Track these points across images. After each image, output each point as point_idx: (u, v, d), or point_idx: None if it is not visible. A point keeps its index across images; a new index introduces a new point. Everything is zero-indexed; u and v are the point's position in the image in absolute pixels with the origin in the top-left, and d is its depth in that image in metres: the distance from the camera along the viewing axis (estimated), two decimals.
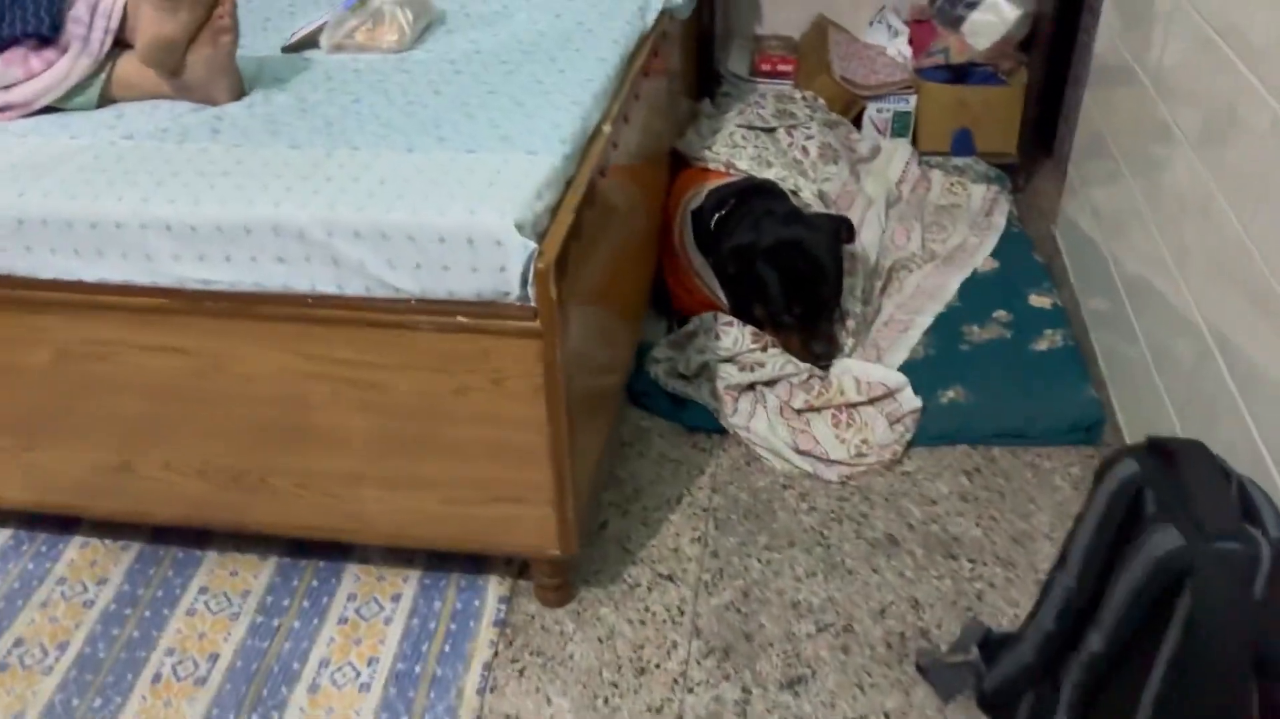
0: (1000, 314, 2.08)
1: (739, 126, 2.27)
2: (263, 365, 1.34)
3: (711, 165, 2.16)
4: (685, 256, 2.05)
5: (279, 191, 1.27)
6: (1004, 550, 1.63)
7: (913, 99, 2.56)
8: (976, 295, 2.15)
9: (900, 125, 2.60)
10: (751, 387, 1.88)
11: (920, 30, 2.61)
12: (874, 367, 1.89)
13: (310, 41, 1.70)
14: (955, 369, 1.94)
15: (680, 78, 2.46)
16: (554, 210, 1.30)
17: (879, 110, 2.58)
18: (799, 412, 1.83)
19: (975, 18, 2.49)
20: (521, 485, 1.37)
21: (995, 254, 2.27)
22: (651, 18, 1.87)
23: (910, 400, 1.83)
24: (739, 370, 1.87)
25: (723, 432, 1.86)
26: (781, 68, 2.65)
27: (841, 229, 1.96)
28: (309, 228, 1.24)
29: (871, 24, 2.72)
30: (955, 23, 2.51)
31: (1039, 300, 2.12)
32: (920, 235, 2.31)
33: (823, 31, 2.69)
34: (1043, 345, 1.98)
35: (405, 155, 1.35)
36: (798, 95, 2.51)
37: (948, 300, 2.14)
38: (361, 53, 1.66)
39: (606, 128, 1.50)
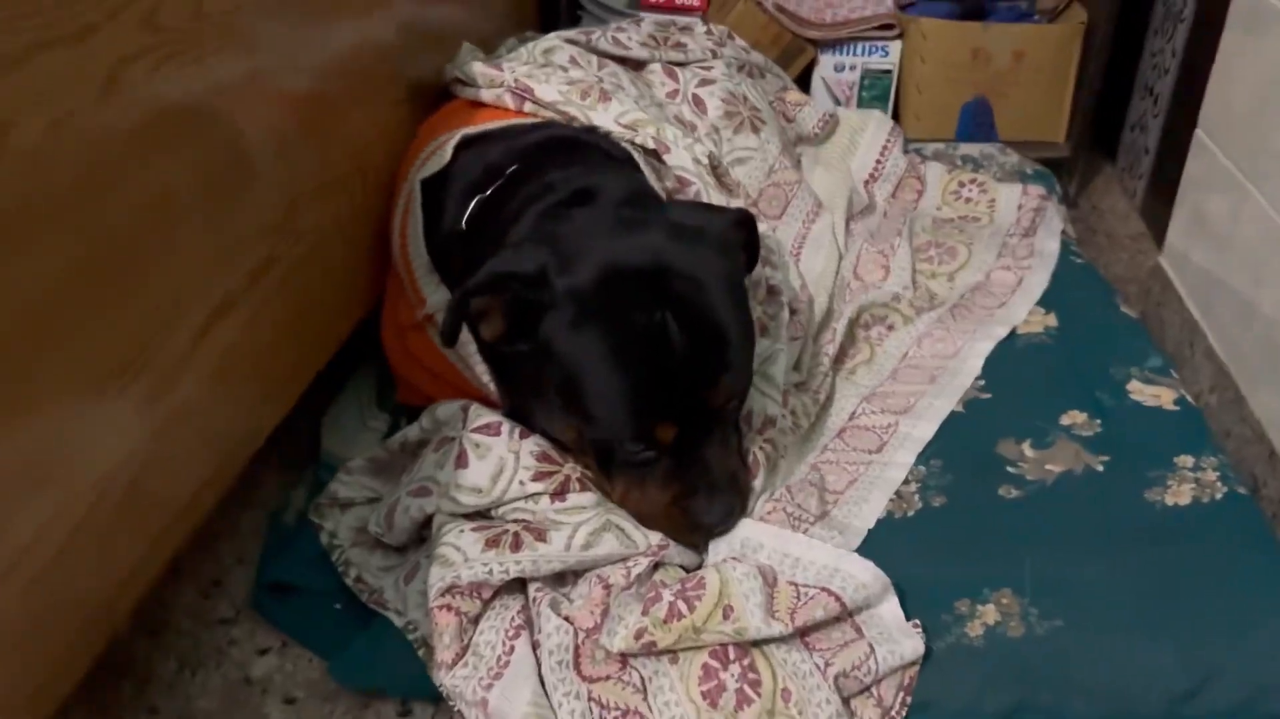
0: (1075, 418, 1.02)
1: (565, 42, 1.18)
2: None
3: (486, 95, 1.07)
4: (411, 286, 0.96)
5: None
6: None
7: (895, 48, 1.54)
8: (1022, 379, 1.09)
9: (875, 92, 1.57)
10: (521, 587, 0.79)
11: None
12: (808, 542, 0.80)
13: None
14: (993, 548, 0.86)
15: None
16: None
17: (839, 67, 1.55)
18: (625, 659, 0.74)
19: None
20: None
21: (1046, 302, 1.22)
22: None
23: (900, 638, 0.75)
24: (491, 550, 0.78)
25: (439, 699, 0.77)
26: None
27: (739, 233, 0.89)
28: None
29: None
30: None
31: (1149, 390, 1.05)
32: (909, 263, 1.26)
33: None
34: (1181, 495, 0.91)
35: None
36: (698, 28, 1.46)
37: (965, 389, 1.07)
38: None
39: None
